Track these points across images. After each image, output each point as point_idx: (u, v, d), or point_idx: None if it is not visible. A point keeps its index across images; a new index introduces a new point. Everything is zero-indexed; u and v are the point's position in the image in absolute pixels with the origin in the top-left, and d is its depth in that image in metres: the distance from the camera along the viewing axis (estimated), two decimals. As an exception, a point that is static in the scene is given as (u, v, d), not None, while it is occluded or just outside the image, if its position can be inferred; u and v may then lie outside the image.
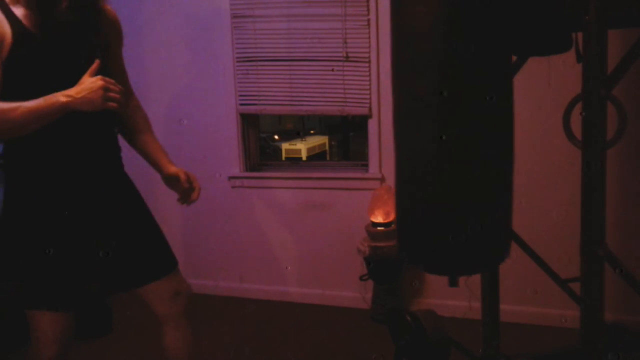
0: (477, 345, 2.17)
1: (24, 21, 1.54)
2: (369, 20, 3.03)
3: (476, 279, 2.23)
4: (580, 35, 1.59)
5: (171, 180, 1.81)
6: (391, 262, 2.98)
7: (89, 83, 1.51)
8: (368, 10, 3.02)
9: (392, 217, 3.00)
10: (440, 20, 1.54)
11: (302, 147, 6.86)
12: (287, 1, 3.14)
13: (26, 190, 1.63)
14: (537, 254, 2.05)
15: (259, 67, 3.25)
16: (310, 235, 3.32)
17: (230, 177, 3.41)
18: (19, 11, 1.55)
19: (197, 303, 3.41)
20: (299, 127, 7.57)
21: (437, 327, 2.09)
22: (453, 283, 1.75)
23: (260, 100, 3.30)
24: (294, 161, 6.24)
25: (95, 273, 1.70)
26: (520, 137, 2.77)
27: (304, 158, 6.73)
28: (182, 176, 1.78)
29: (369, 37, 3.04)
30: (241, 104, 3.33)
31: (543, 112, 2.73)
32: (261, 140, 3.85)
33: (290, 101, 3.25)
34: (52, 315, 1.66)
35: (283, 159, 6.66)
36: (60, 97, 1.49)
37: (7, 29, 1.52)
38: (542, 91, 2.74)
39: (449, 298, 3.03)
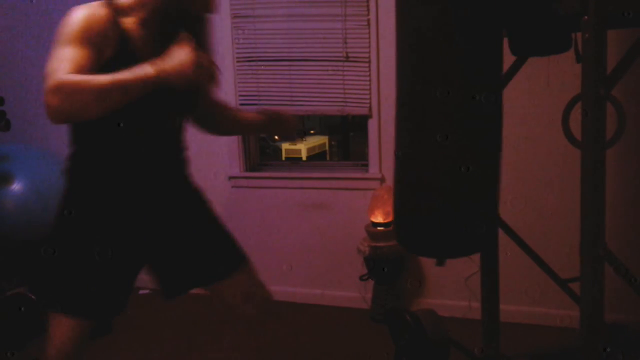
0: (477, 345, 2.17)
1: (131, 36, 1.49)
2: (369, 20, 3.03)
3: (476, 278, 2.24)
4: (579, 35, 1.59)
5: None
6: (391, 262, 2.98)
7: (180, 54, 1.40)
8: (368, 10, 3.02)
9: (392, 217, 3.00)
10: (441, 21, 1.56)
11: (302, 147, 6.85)
12: (287, 1, 3.14)
13: (94, 195, 1.58)
14: (537, 254, 2.06)
15: (259, 67, 3.26)
16: (310, 235, 3.32)
17: (230, 177, 3.41)
18: (128, 22, 1.50)
19: (198, 303, 3.42)
20: (299, 127, 7.58)
21: (437, 327, 2.09)
22: (440, 263, 1.83)
23: (260, 100, 3.30)
24: (294, 161, 6.23)
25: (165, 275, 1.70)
26: (520, 137, 2.79)
27: (304, 158, 6.73)
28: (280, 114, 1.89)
29: (369, 37, 3.04)
30: (241, 104, 3.33)
31: (542, 112, 2.74)
32: (261, 140, 3.85)
33: (290, 101, 3.25)
34: (78, 321, 1.59)
35: (283, 159, 6.65)
36: (149, 68, 1.37)
37: (113, 39, 1.46)
38: (542, 91, 2.74)
39: (449, 298, 3.04)
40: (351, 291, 3.24)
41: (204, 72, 1.45)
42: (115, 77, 1.35)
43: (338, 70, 3.12)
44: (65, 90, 1.34)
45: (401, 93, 1.74)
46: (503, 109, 1.74)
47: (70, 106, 1.35)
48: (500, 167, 1.74)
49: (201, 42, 1.54)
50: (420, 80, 1.64)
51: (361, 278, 3.12)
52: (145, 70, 1.37)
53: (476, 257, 2.12)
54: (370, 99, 3.10)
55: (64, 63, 1.37)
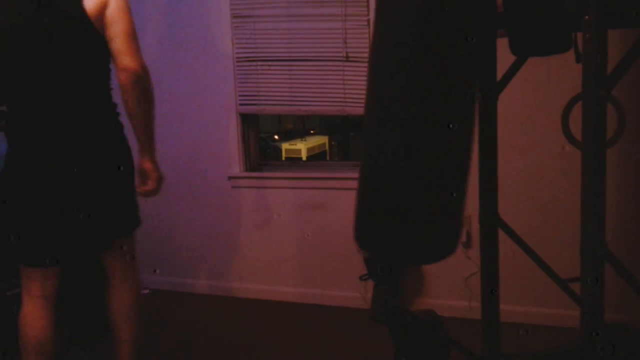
0: (477, 345, 2.17)
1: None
2: (369, 20, 3.03)
3: (476, 278, 2.24)
4: (579, 35, 1.59)
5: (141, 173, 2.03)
6: (391, 262, 2.98)
7: None
8: (368, 10, 3.02)
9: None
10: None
11: (302, 147, 6.86)
12: (287, 1, 3.14)
13: (18, 157, 1.85)
14: (537, 254, 2.05)
15: (259, 67, 3.26)
16: (310, 235, 3.32)
17: (230, 177, 3.41)
18: None
19: (198, 303, 3.42)
20: (299, 127, 7.57)
21: (437, 327, 2.09)
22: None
23: (260, 100, 3.30)
24: (294, 161, 6.24)
25: (74, 232, 1.90)
26: (520, 136, 2.79)
27: (304, 158, 6.73)
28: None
29: (369, 37, 3.04)
30: (241, 104, 3.33)
31: (542, 112, 2.74)
32: (261, 140, 3.86)
33: (290, 101, 3.25)
34: (41, 272, 1.92)
35: (283, 159, 6.66)
36: None
37: None
38: (542, 91, 2.74)
39: (449, 298, 3.04)
40: (351, 291, 3.24)
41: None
42: None
43: (338, 70, 3.12)
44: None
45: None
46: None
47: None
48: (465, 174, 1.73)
49: None
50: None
51: (361, 278, 3.12)
52: None
53: (476, 257, 2.12)
54: (370, 99, 3.10)
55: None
